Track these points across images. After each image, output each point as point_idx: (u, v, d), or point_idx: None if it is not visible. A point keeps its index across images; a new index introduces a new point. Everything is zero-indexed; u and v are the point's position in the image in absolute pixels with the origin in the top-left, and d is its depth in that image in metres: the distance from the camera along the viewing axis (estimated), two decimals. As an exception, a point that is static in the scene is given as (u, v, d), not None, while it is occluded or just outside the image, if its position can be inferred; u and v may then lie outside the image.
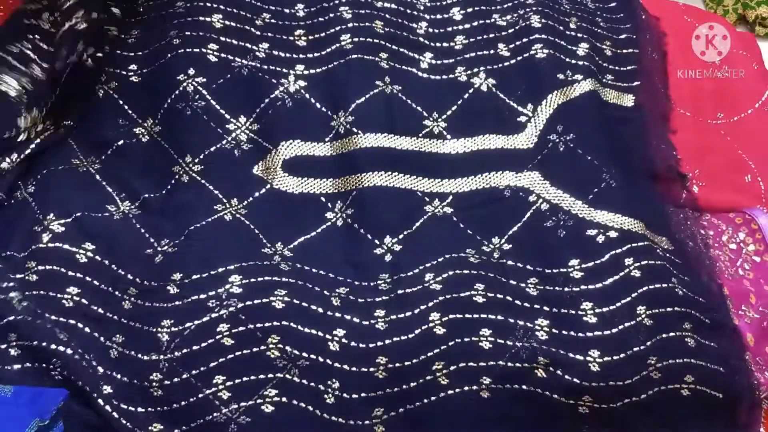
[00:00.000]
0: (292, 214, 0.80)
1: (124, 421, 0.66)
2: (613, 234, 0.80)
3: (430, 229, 0.80)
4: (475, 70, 0.88)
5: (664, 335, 0.74)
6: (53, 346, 0.67)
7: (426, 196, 0.82)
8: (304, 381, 0.69)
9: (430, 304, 0.73)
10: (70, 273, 0.72)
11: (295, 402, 0.69)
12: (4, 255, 0.73)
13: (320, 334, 0.71)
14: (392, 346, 0.70)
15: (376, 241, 0.79)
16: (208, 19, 0.83)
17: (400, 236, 0.79)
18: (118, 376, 0.68)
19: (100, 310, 0.71)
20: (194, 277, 0.74)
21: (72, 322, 0.70)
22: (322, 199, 0.81)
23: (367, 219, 0.80)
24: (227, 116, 0.81)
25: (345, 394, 0.69)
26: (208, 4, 0.84)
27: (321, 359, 0.70)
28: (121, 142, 0.81)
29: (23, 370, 0.66)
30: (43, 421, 0.58)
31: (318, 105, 0.83)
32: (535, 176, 0.84)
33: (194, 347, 0.69)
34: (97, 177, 0.80)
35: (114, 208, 0.78)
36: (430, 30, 0.90)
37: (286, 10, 0.88)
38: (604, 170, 0.84)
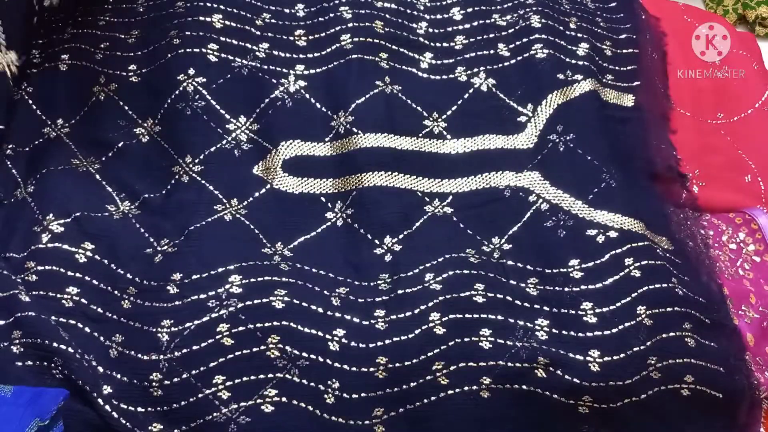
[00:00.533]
0: (292, 214, 0.80)
1: (123, 421, 0.66)
2: (613, 234, 0.80)
3: (430, 229, 0.80)
4: (475, 70, 0.88)
5: (664, 335, 0.74)
6: (55, 344, 0.67)
7: (426, 196, 0.82)
8: (304, 381, 0.69)
9: (430, 304, 0.73)
10: (69, 273, 0.72)
11: (295, 402, 0.69)
12: (3, 255, 0.73)
13: (320, 334, 0.71)
14: (392, 346, 0.70)
15: (376, 241, 0.79)
16: (208, 19, 0.83)
17: (400, 236, 0.79)
18: (118, 376, 0.68)
19: (99, 310, 0.71)
20: (194, 277, 0.74)
21: (72, 322, 0.70)
22: (322, 199, 0.81)
23: (367, 219, 0.80)
24: (227, 116, 0.81)
25: (345, 394, 0.69)
26: (208, 4, 0.84)
27: (321, 359, 0.70)
28: (121, 143, 0.81)
29: (24, 368, 0.66)
30: (43, 421, 0.58)
31: (318, 105, 0.83)
32: (535, 176, 0.84)
33: (194, 347, 0.69)
34: (97, 177, 0.80)
35: (114, 208, 0.78)
36: (430, 30, 0.90)
37: (286, 10, 0.88)
38: (604, 170, 0.84)
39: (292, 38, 0.86)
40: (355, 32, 0.86)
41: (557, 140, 0.85)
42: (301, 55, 0.85)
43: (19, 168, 0.78)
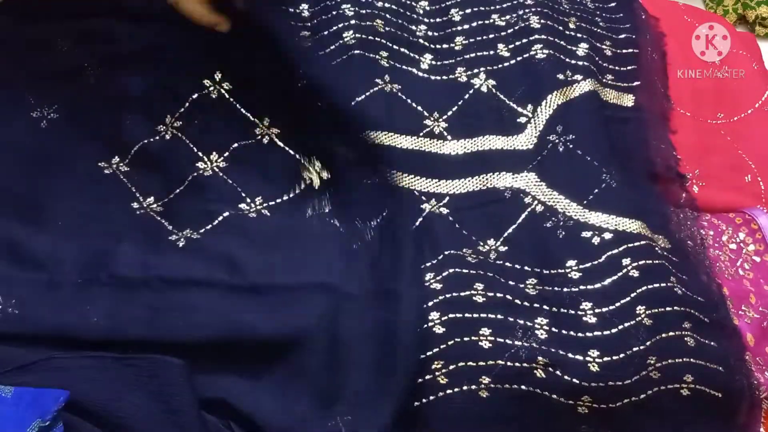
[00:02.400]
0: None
1: None
2: (607, 236, 0.80)
3: (428, 228, 0.80)
4: (475, 70, 0.88)
5: (663, 335, 0.74)
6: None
7: (423, 195, 0.82)
8: None
9: (430, 303, 0.73)
10: None
11: None
12: None
13: (322, 334, 0.71)
14: (392, 345, 0.71)
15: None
16: None
17: None
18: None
19: None
20: None
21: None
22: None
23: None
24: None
25: (346, 394, 0.69)
26: None
27: None
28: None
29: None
30: (44, 421, 0.58)
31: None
32: (531, 177, 0.83)
33: None
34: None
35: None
36: (430, 33, 0.91)
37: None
38: (603, 171, 0.84)
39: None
40: (357, 30, 0.86)
41: (557, 141, 0.85)
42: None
43: None
